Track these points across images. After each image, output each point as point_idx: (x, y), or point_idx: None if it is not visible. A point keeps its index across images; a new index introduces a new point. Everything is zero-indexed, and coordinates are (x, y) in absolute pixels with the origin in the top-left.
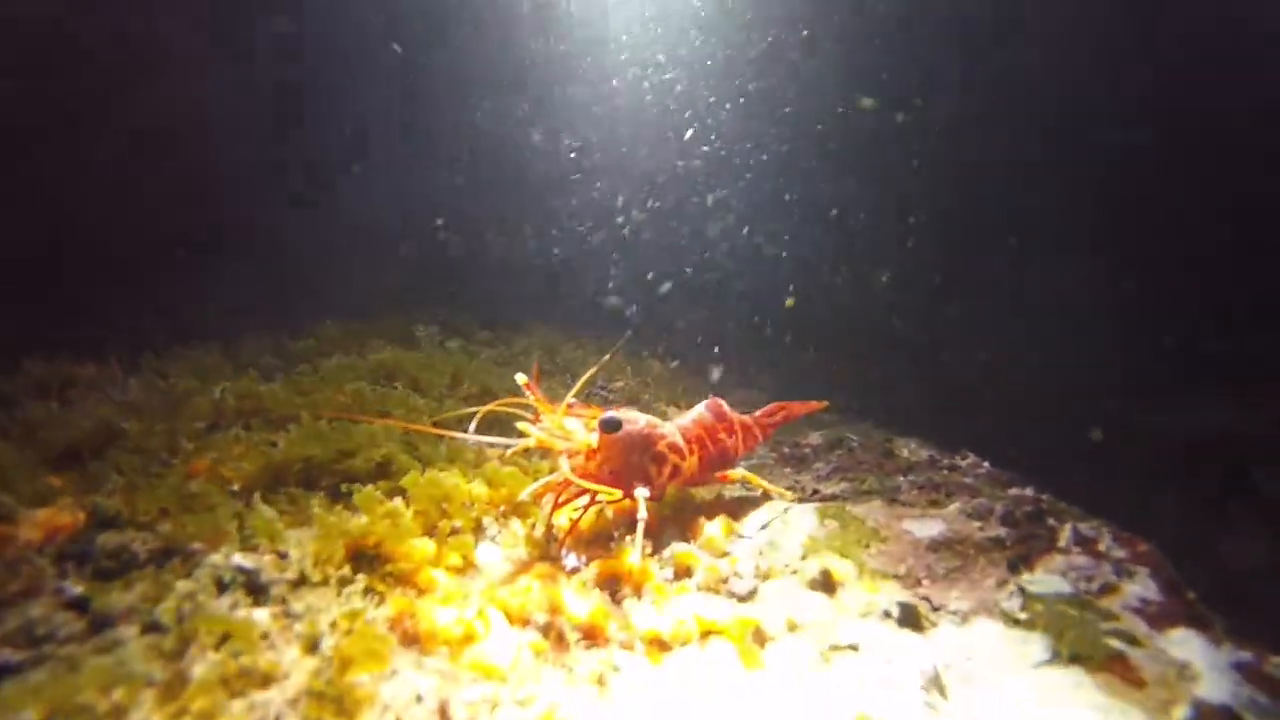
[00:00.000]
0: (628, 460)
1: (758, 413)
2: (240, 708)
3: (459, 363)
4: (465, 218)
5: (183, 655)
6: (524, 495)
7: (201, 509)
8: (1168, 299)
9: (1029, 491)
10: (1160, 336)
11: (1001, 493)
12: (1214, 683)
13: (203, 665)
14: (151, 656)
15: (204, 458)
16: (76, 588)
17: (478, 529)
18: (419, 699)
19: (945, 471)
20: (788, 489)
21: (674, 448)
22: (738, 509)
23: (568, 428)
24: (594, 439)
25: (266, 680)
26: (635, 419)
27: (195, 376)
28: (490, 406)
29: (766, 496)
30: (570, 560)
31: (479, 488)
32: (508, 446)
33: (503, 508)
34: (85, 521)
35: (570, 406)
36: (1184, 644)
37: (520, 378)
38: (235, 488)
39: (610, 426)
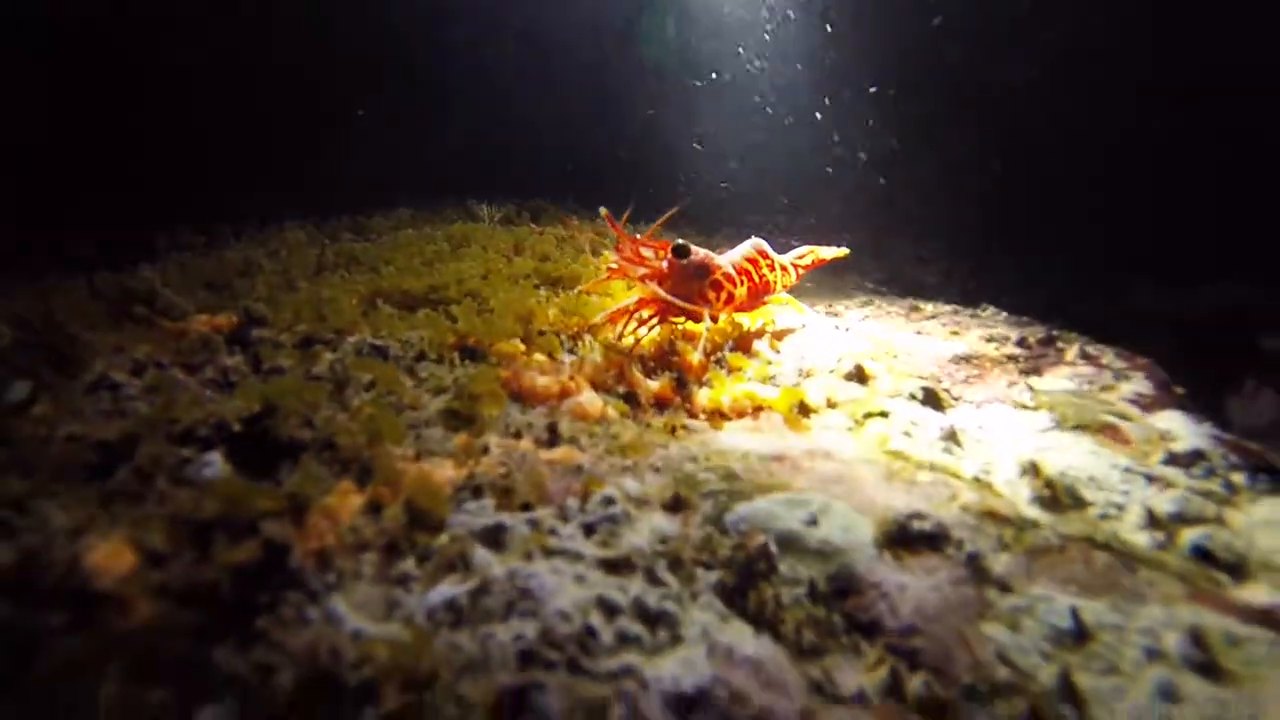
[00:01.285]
0: (690, 285)
1: (790, 255)
2: (399, 419)
3: (520, 234)
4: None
5: (343, 390)
6: (599, 318)
7: (332, 310)
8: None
9: (1042, 327)
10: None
11: (1017, 327)
12: (1191, 441)
13: (359, 398)
14: (316, 390)
15: (322, 284)
16: (242, 356)
17: (557, 339)
18: (531, 424)
19: (967, 316)
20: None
21: (728, 276)
22: (779, 333)
23: (644, 254)
24: (664, 264)
25: (414, 406)
26: (697, 250)
27: (288, 246)
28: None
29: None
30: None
31: (555, 313)
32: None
33: (576, 330)
34: (239, 323)
35: (642, 239)
36: (1170, 420)
37: (602, 210)
38: (352, 302)
39: (680, 253)
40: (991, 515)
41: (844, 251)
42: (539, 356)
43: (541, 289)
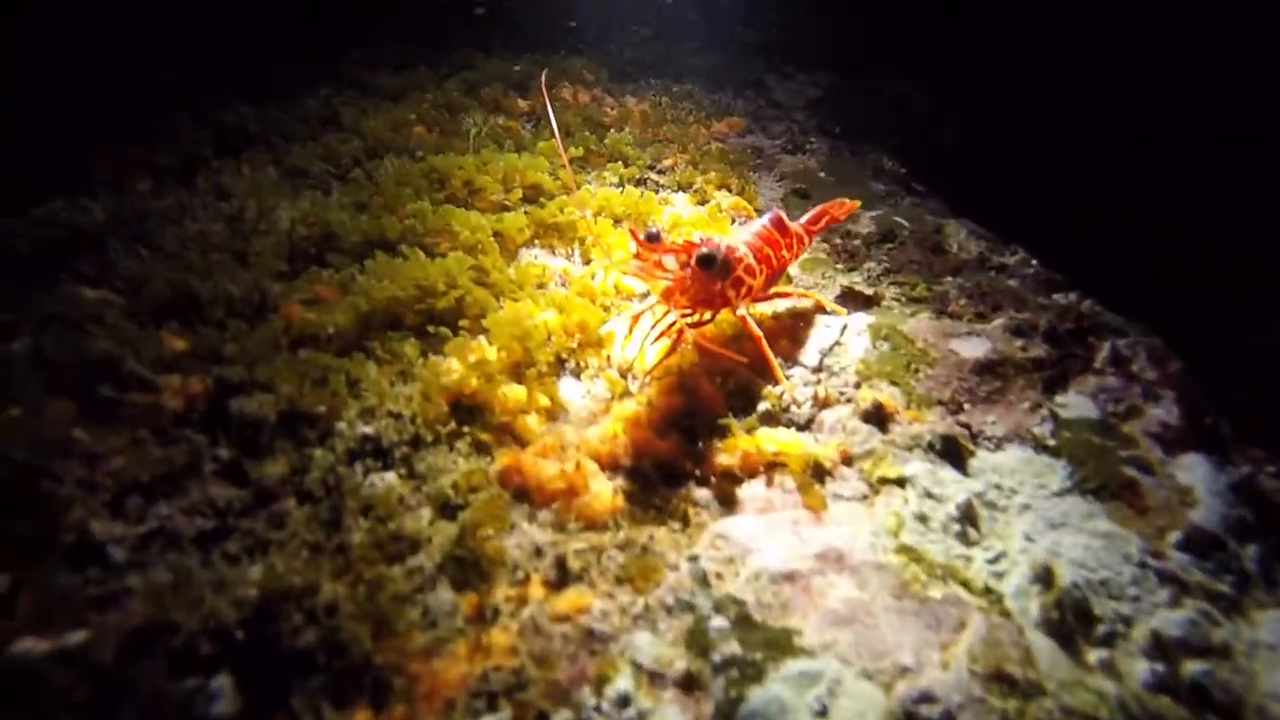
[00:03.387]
0: (712, 289)
1: (805, 219)
2: (400, 573)
3: (510, 162)
4: None
5: (339, 525)
6: (608, 331)
7: (314, 374)
8: None
9: (1073, 298)
10: None
11: (1046, 299)
12: (1209, 508)
13: (358, 533)
14: (316, 528)
15: (294, 302)
16: (227, 453)
17: (557, 363)
18: (539, 551)
19: (993, 274)
20: (838, 299)
21: (749, 270)
22: (794, 328)
23: (666, 266)
24: (688, 274)
25: (414, 546)
26: (718, 245)
27: (254, 196)
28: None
29: (821, 308)
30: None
31: (551, 316)
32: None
33: (577, 337)
34: (214, 389)
35: (660, 244)
36: (1191, 469)
37: (626, 226)
38: (331, 333)
39: (707, 263)
40: (998, 678)
41: (856, 204)
42: (541, 399)
43: (537, 249)
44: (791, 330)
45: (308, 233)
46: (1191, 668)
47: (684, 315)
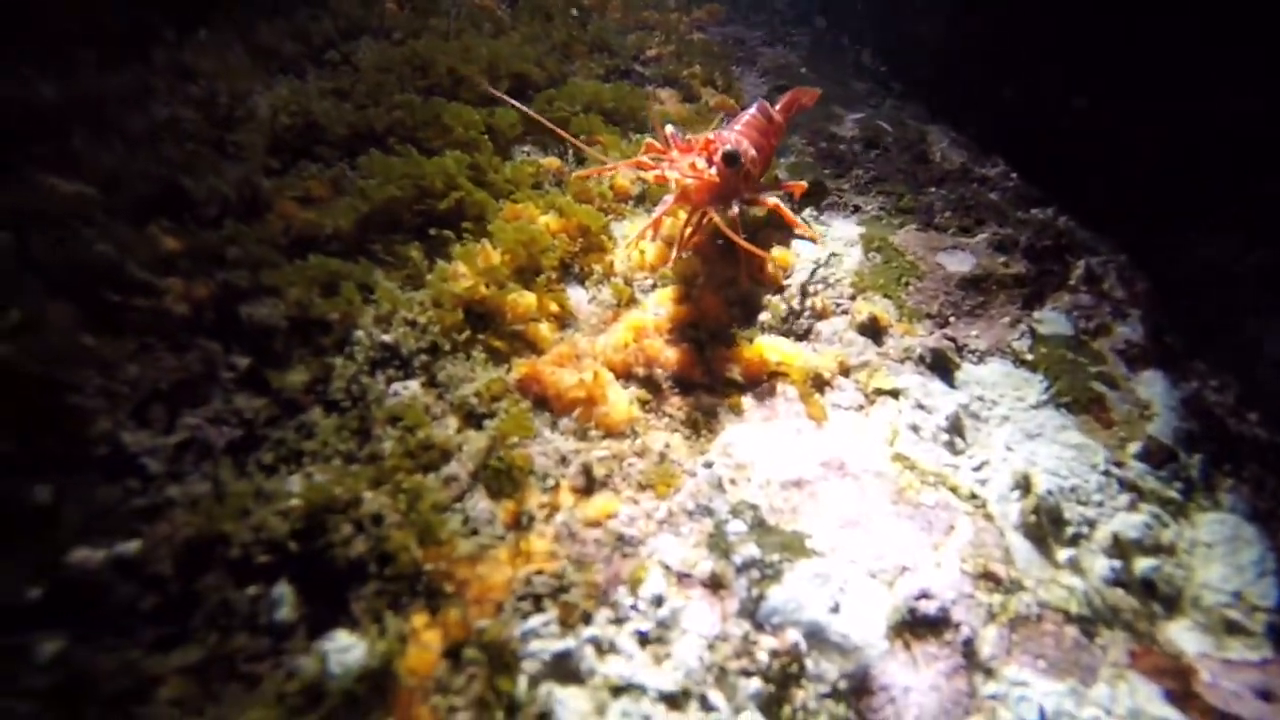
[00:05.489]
0: (731, 186)
1: (779, 105)
2: (436, 482)
3: (493, 47)
4: None
5: (369, 434)
6: (636, 239)
7: (323, 279)
8: None
9: (1050, 213)
10: None
11: (1026, 214)
12: (1164, 421)
13: (389, 442)
14: (346, 437)
15: (287, 200)
16: (243, 361)
17: (561, 269)
18: (564, 459)
19: (975, 186)
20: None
21: (754, 160)
22: (789, 234)
23: (697, 165)
24: (714, 173)
25: (445, 455)
26: (736, 141)
27: (224, 78)
28: (625, 164)
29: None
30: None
31: (552, 219)
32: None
33: (580, 241)
34: (220, 293)
35: (680, 143)
36: (1151, 384)
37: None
38: (330, 233)
39: (732, 160)
40: (985, 575)
41: (818, 93)
42: (552, 307)
43: (529, 145)
44: (786, 232)
45: (290, 123)
46: (1142, 564)
47: (698, 212)
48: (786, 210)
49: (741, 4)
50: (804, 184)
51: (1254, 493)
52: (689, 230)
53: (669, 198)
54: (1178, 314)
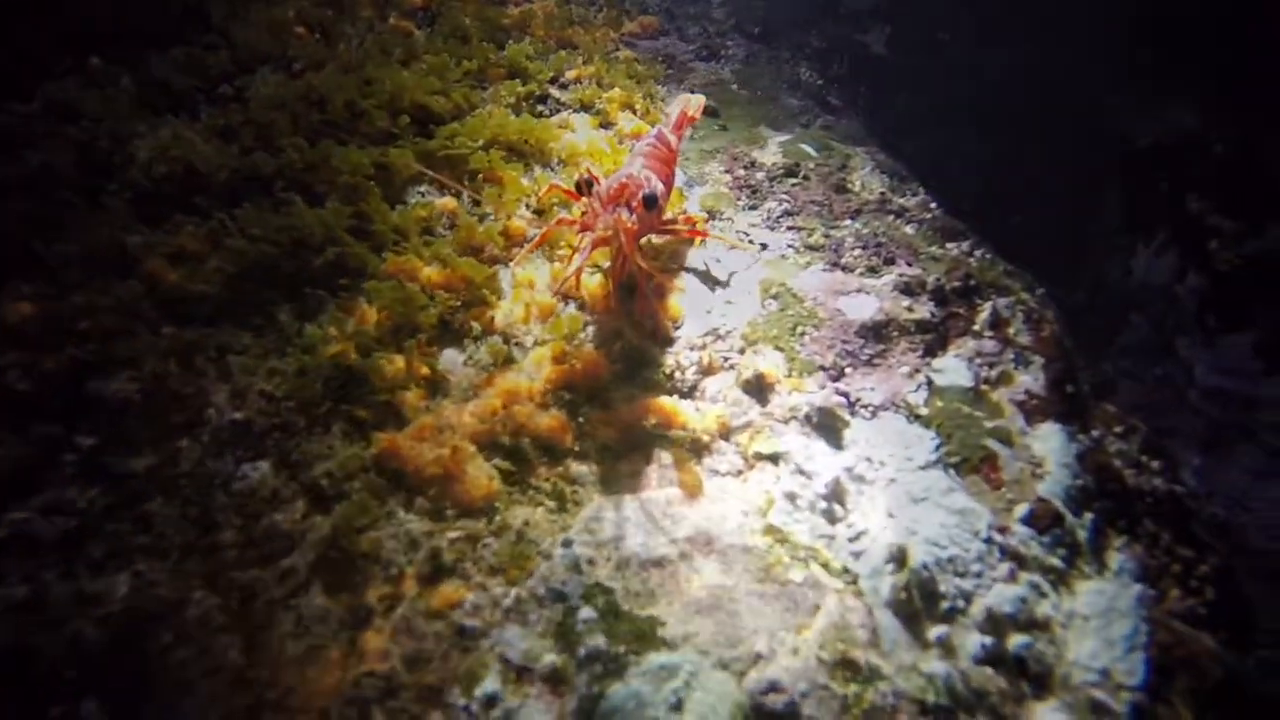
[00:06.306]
0: (652, 223)
1: (670, 123)
2: (271, 576)
3: (396, 78)
4: None
5: (211, 523)
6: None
7: (179, 350)
8: None
9: (965, 247)
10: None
11: (940, 249)
12: (1055, 479)
13: (229, 531)
14: (186, 527)
15: (157, 258)
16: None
17: (440, 327)
18: (414, 542)
19: (891, 218)
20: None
21: (664, 195)
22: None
23: (624, 218)
24: (632, 218)
25: (289, 543)
26: (646, 180)
27: (108, 119)
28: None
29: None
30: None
31: (434, 272)
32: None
33: (461, 297)
34: (70, 365)
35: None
36: (1046, 439)
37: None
38: (201, 293)
39: (651, 204)
40: (843, 663)
41: (703, 100)
42: (422, 369)
43: (425, 184)
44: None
45: (169, 170)
46: (1015, 640)
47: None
48: (710, 230)
49: (678, 15)
50: (704, 215)
51: (1147, 550)
52: (619, 262)
53: (586, 246)
54: (1104, 340)
